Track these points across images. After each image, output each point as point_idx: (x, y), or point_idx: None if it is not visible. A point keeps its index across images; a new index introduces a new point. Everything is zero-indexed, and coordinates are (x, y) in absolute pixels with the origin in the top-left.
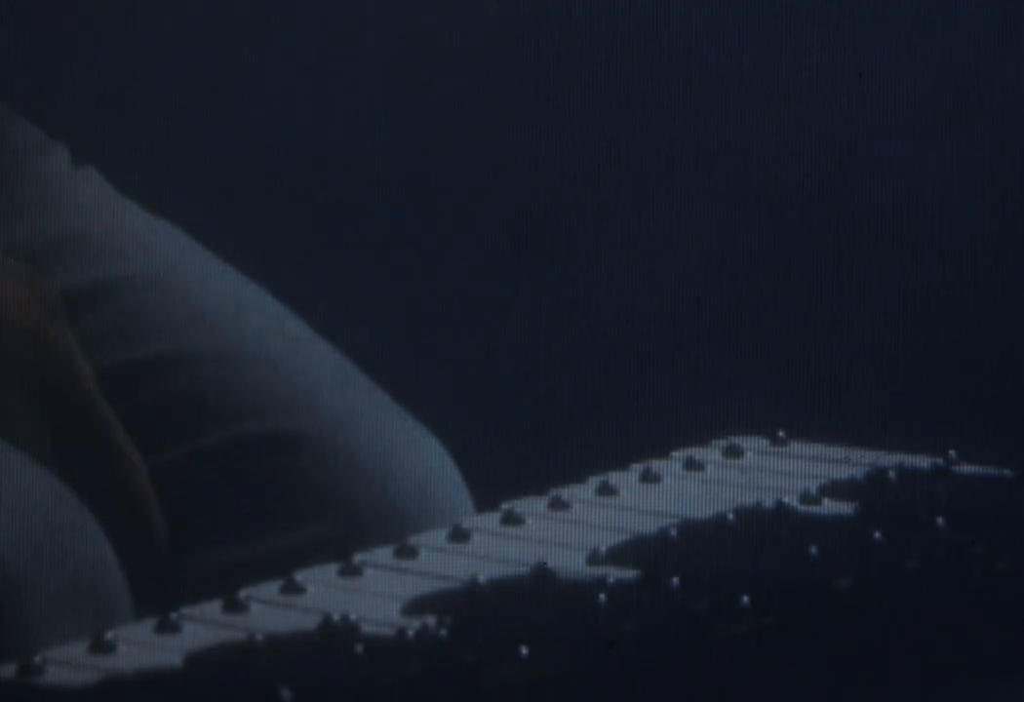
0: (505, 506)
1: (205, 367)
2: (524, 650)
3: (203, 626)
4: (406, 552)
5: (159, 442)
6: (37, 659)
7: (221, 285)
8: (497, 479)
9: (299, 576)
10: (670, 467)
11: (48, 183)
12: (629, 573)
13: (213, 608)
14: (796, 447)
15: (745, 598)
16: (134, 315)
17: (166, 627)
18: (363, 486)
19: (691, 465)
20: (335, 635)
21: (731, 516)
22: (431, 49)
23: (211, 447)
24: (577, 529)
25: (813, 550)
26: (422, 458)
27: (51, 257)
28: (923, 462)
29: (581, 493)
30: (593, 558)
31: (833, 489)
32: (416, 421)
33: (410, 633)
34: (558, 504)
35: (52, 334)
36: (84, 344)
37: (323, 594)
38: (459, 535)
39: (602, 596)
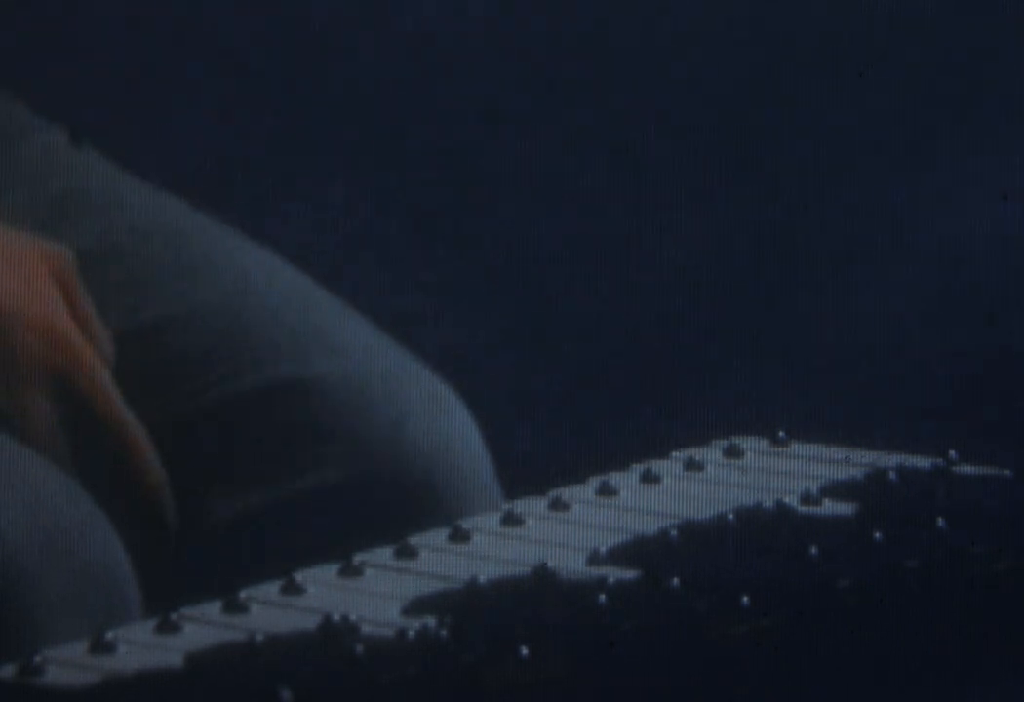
0: (505, 506)
1: (214, 320)
2: (524, 650)
3: (203, 626)
4: (406, 552)
5: (174, 396)
6: (37, 659)
7: (224, 242)
8: (498, 479)
9: (299, 576)
10: (670, 467)
11: (47, 155)
12: (629, 573)
13: (213, 608)
14: (796, 447)
15: (745, 598)
16: (140, 274)
17: (166, 627)
18: (375, 429)
19: (691, 465)
20: (335, 635)
21: (731, 516)
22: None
23: (224, 397)
24: (577, 529)
25: (813, 550)
26: (435, 403)
27: (53, 217)
28: (923, 462)
29: (581, 493)
30: (593, 558)
31: (833, 489)
32: (428, 370)
33: (410, 633)
34: (558, 504)
35: (66, 323)
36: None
37: (323, 594)
38: (459, 535)
39: (602, 596)
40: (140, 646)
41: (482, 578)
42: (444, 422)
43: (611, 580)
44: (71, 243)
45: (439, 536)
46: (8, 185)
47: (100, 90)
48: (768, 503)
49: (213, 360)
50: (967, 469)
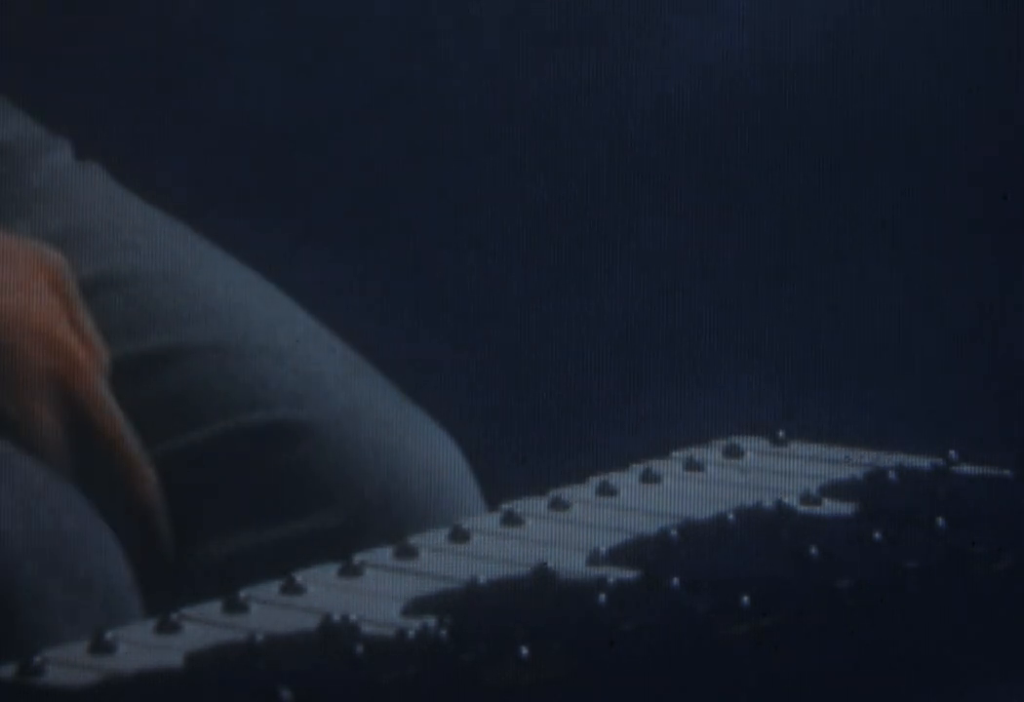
0: (505, 506)
1: (212, 357)
2: (524, 650)
3: (203, 626)
4: (406, 552)
5: (167, 431)
6: (37, 659)
7: (227, 277)
8: (497, 479)
9: (299, 576)
10: (670, 467)
11: (51, 179)
12: (629, 573)
13: (213, 608)
14: (796, 447)
15: (745, 598)
16: (141, 307)
17: (166, 627)
18: (368, 475)
19: (691, 465)
20: (335, 635)
21: (731, 516)
22: (436, 49)
23: (218, 436)
24: (577, 529)
25: (813, 550)
26: (429, 449)
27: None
28: (923, 462)
29: (581, 493)
30: (593, 558)
31: (833, 489)
32: (424, 413)
33: (410, 633)
34: (558, 504)
35: (64, 328)
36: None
37: (323, 594)
38: (459, 535)
39: (602, 596)
40: (140, 646)
41: (482, 578)
42: (438, 466)
43: (611, 580)
44: (73, 271)
45: (439, 536)
46: (9, 218)
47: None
48: (768, 503)
49: (209, 396)
50: (967, 469)
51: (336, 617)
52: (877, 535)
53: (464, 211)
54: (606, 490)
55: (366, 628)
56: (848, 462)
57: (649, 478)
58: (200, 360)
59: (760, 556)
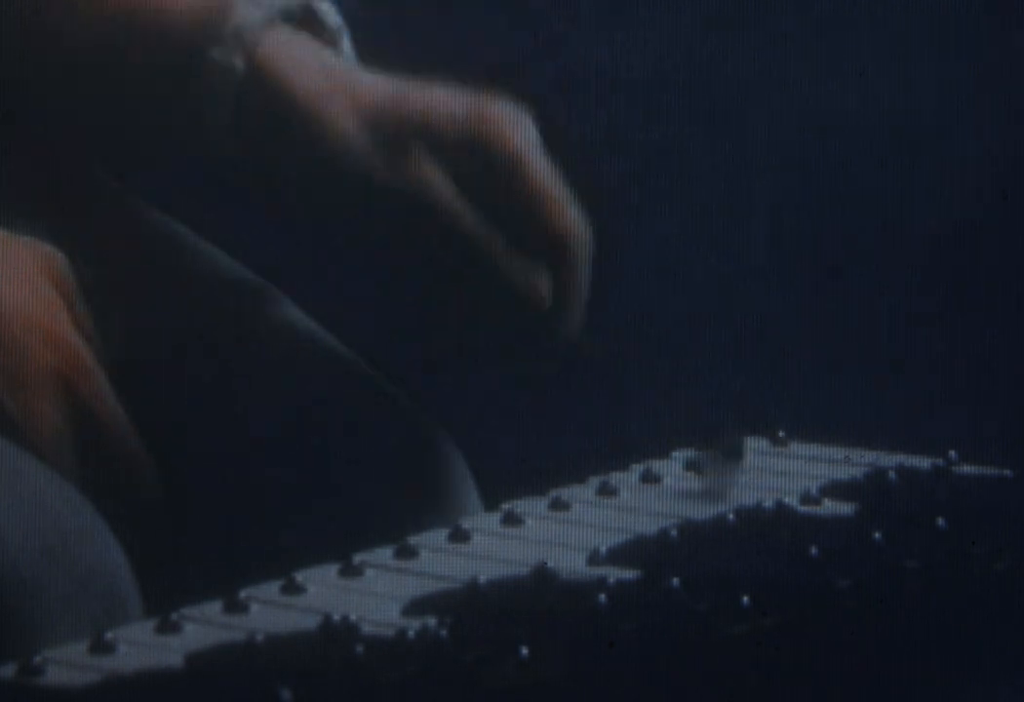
0: (505, 506)
1: (211, 360)
2: (524, 650)
3: (203, 626)
4: (406, 552)
5: (165, 436)
6: (37, 659)
7: (227, 278)
8: (497, 479)
9: (299, 576)
10: (670, 467)
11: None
12: (629, 573)
13: (213, 608)
14: (796, 447)
15: (745, 598)
16: (139, 308)
17: (166, 627)
18: (370, 480)
19: (691, 465)
20: (335, 635)
21: (731, 516)
22: (437, 48)
23: (218, 442)
24: (577, 529)
25: (813, 550)
26: (430, 452)
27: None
28: (923, 462)
29: (581, 493)
30: (593, 558)
31: (833, 489)
32: (425, 416)
33: (410, 633)
34: (558, 504)
35: (66, 325)
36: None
37: (323, 594)
38: (459, 535)
39: (602, 596)
40: (140, 646)
41: (482, 578)
42: (440, 473)
43: (611, 580)
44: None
45: (439, 536)
46: (9, 217)
47: None
48: (768, 503)
49: (212, 400)
50: (967, 469)
51: (336, 617)
52: (877, 535)
53: None
54: (606, 490)
55: (366, 628)
56: (848, 462)
57: (649, 478)
58: (198, 363)
59: (760, 556)
